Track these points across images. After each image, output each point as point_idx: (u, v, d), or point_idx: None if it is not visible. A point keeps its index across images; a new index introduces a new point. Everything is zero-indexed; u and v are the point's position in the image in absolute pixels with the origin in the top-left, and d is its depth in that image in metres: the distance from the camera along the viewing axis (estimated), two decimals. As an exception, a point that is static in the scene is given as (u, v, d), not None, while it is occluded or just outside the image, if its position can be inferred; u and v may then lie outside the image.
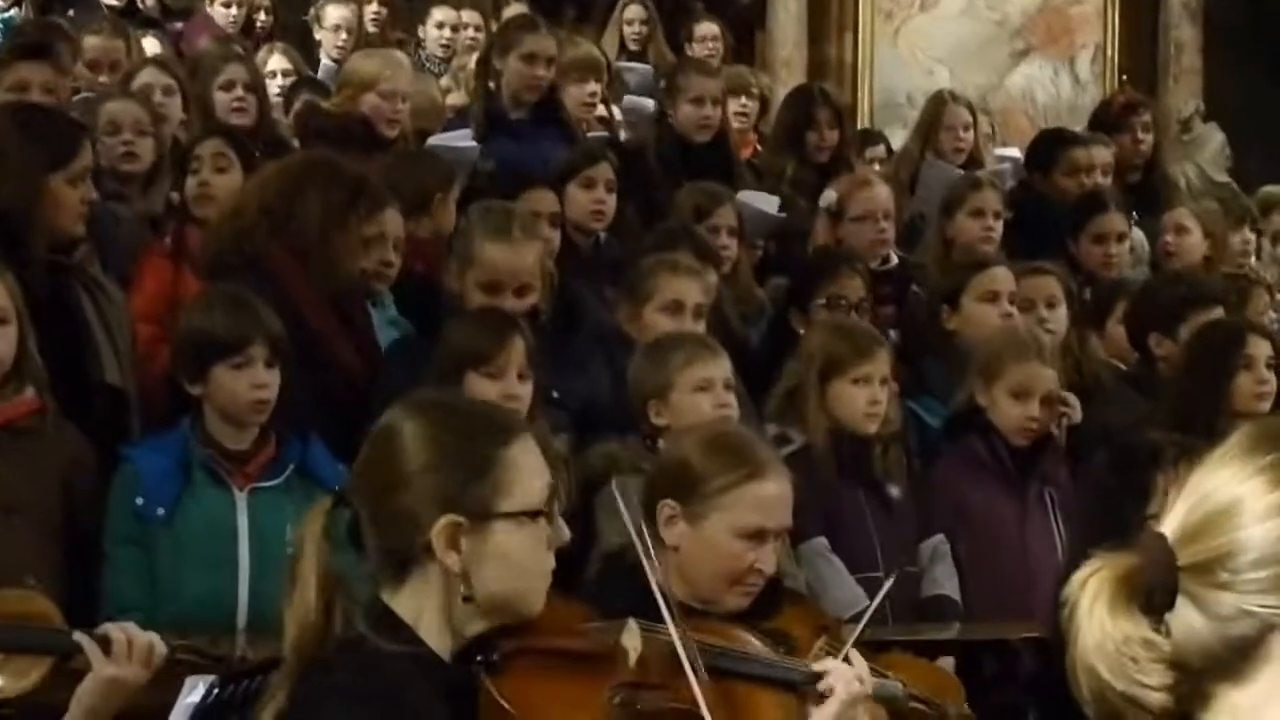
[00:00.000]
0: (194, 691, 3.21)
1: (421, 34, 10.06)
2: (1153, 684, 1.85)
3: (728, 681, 3.36)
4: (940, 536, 5.52)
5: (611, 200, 6.84)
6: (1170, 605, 1.86)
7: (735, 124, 8.57)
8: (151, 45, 8.72)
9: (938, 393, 6.09)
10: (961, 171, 7.99)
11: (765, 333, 6.57)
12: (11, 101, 6.11)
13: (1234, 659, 1.84)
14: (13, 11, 9.04)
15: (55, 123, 5.39)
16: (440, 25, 9.94)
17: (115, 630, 3.33)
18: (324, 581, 2.74)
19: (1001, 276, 6.37)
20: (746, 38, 11.93)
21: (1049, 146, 8.41)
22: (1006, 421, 5.60)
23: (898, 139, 9.35)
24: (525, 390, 4.82)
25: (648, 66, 9.71)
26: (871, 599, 4.75)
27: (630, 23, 10.34)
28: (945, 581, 5.47)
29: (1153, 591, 1.86)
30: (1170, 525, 1.88)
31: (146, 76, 7.47)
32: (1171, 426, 5.05)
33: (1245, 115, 12.21)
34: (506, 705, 2.95)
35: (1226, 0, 12.99)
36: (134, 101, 6.71)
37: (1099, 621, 1.85)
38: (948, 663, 4.16)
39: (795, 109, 8.44)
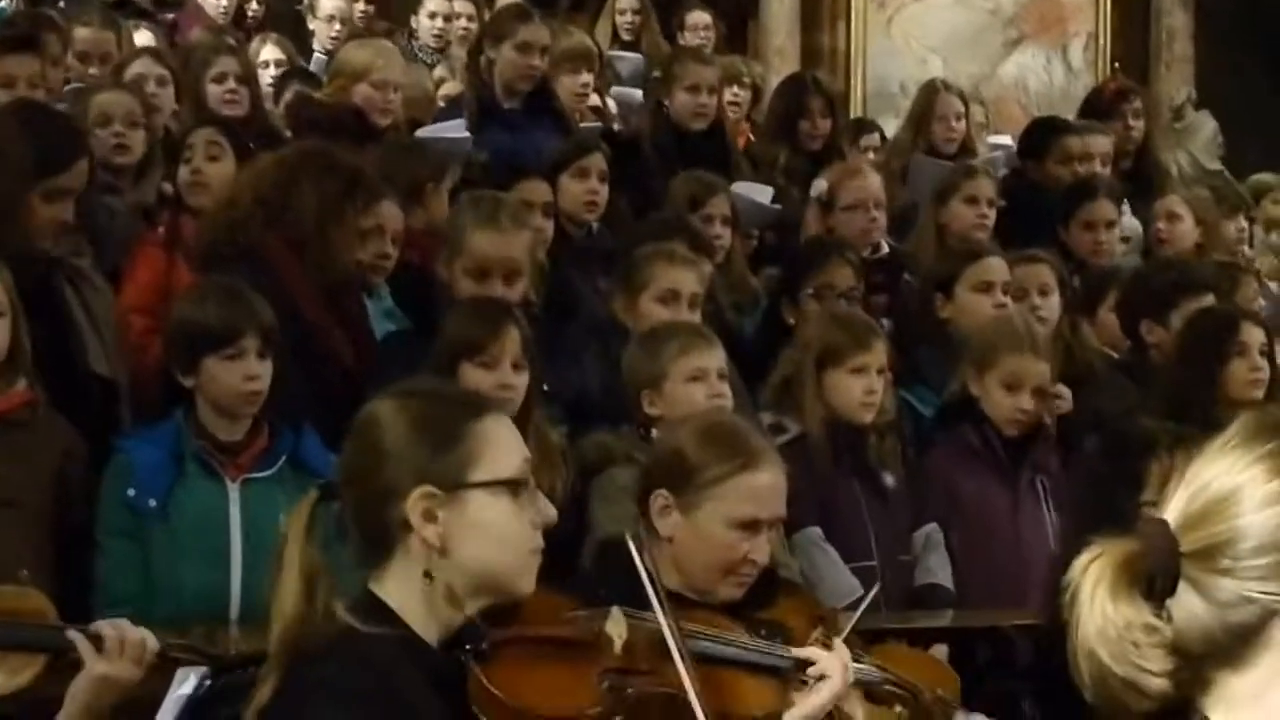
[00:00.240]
0: (185, 683, 3.20)
1: (414, 24, 10.04)
2: (1154, 669, 1.86)
3: (713, 668, 3.37)
4: (934, 525, 5.53)
5: (604, 190, 6.84)
6: (1172, 591, 1.87)
7: (728, 113, 8.57)
8: (144, 37, 8.69)
9: (931, 381, 6.10)
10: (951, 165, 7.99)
11: (759, 322, 6.57)
12: (21, 100, 6.10)
13: (1234, 645, 1.86)
14: (4, 3, 9.02)
15: (53, 133, 5.35)
16: (433, 15, 9.92)
17: (107, 628, 3.32)
18: (307, 575, 2.75)
19: (996, 267, 6.37)
20: (739, 26, 11.93)
21: (1042, 134, 8.41)
22: (998, 412, 5.60)
23: (891, 128, 9.35)
24: (520, 380, 4.81)
25: (639, 56, 9.71)
26: (865, 588, 4.78)
27: (623, 12, 10.32)
28: (938, 570, 5.48)
29: (1154, 577, 1.87)
30: (1172, 512, 1.90)
31: (139, 67, 7.46)
32: (1164, 414, 5.06)
33: (1237, 103, 12.22)
34: (497, 692, 2.96)
35: (1218, -13, 13.01)
36: (125, 93, 6.70)
37: (1101, 606, 1.87)
38: (941, 651, 4.17)
39: (788, 97, 8.44)
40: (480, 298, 5.24)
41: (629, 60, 9.57)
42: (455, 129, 7.40)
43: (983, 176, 7.37)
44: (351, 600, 2.78)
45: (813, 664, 3.51)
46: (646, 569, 3.39)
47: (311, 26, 9.74)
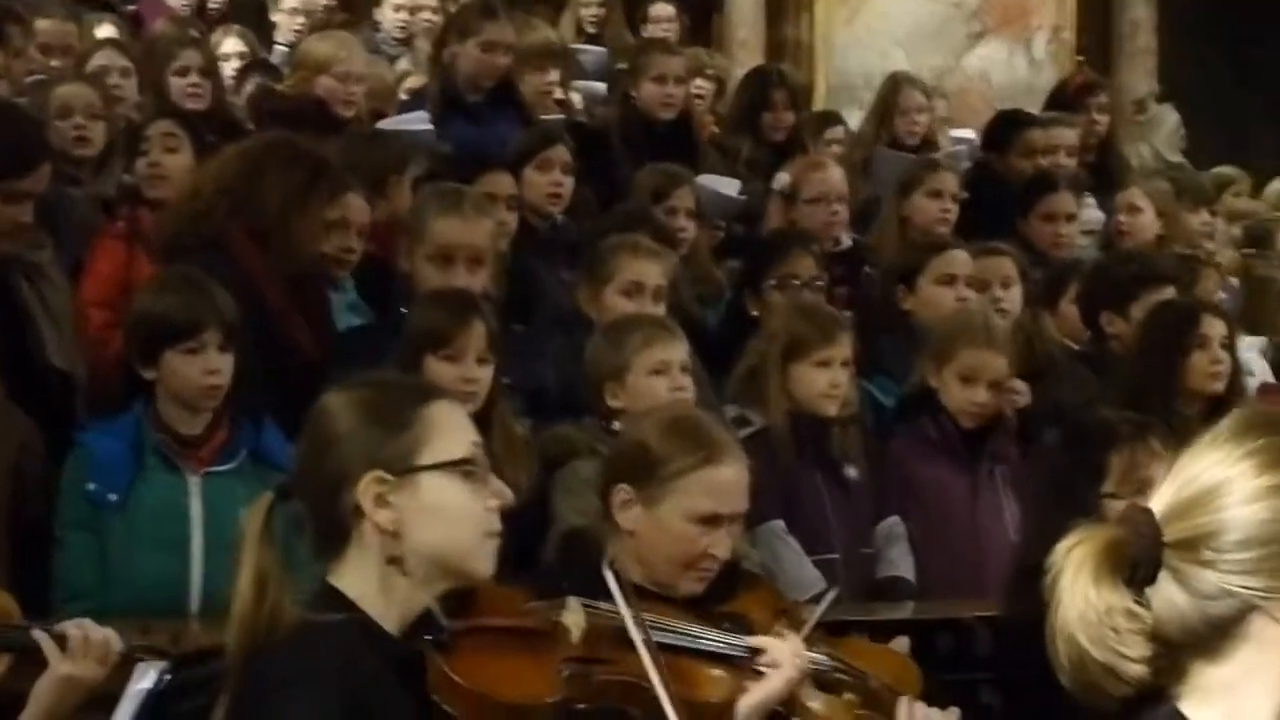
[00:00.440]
0: (144, 678, 3.20)
1: (378, 16, 10.02)
2: (1132, 655, 1.89)
3: (670, 656, 3.39)
4: (895, 519, 5.54)
5: (569, 183, 6.83)
6: (1153, 579, 1.90)
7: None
8: (106, 30, 8.67)
9: (892, 372, 6.11)
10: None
11: (722, 314, 6.57)
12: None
13: (1212, 636, 1.89)
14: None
15: (17, 135, 5.32)
16: (397, 8, 9.90)
17: (72, 628, 3.31)
18: (260, 576, 2.75)
19: (959, 259, 6.39)
20: (703, 19, 11.92)
21: (1005, 128, 8.43)
22: (955, 404, 5.62)
23: (854, 120, 9.35)
24: (485, 374, 4.79)
25: (603, 49, 9.70)
26: (828, 580, 4.79)
27: (587, 5, 10.31)
28: (900, 562, 5.49)
29: (1137, 565, 1.90)
30: (1159, 502, 1.93)
31: (102, 59, 7.45)
32: (1125, 405, 5.07)
33: (1199, 96, 12.26)
34: (459, 679, 2.96)
35: (1182, -19, 13.05)
36: (86, 85, 6.69)
37: (1082, 591, 1.89)
38: (902, 643, 4.17)
39: (751, 90, 8.45)
40: (446, 290, 5.22)
41: (592, 54, 9.55)
42: (418, 121, 7.39)
43: (946, 170, 7.39)
44: (310, 594, 2.78)
45: (765, 652, 3.54)
46: (609, 562, 3.41)
47: (274, 18, 9.73)
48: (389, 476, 2.75)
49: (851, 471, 5.48)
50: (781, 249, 6.39)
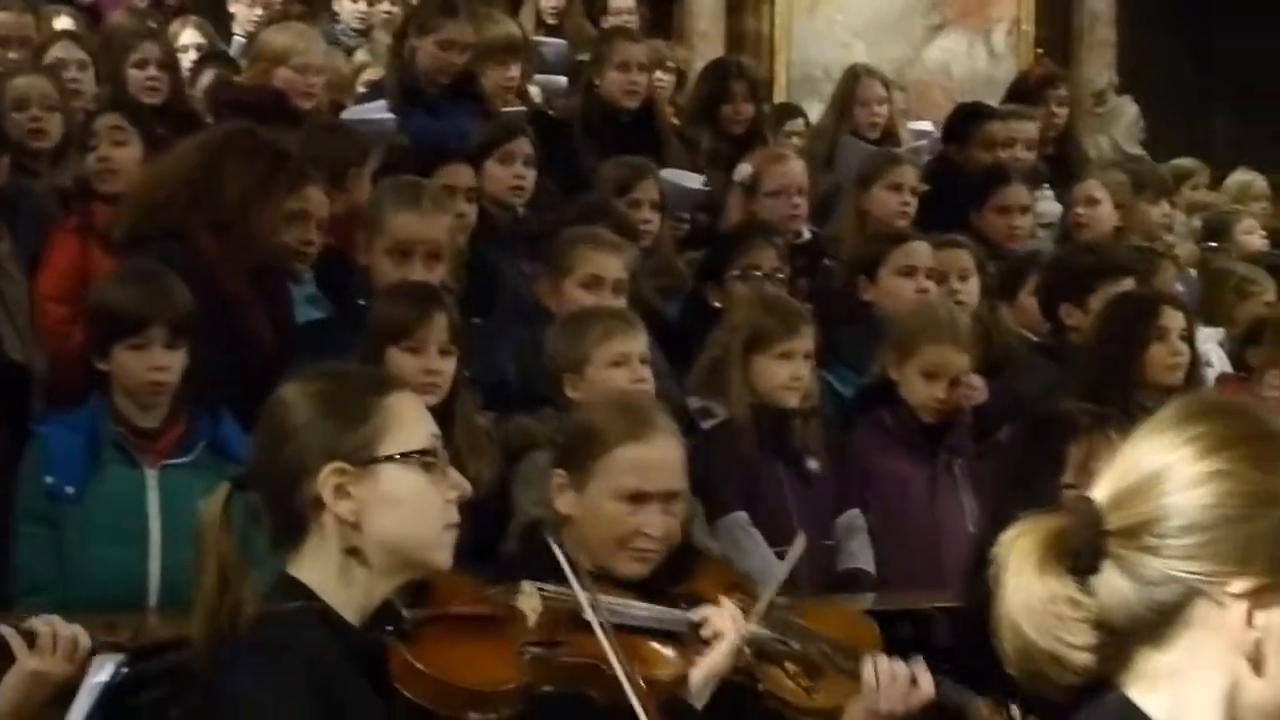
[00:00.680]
0: (102, 670, 3.19)
1: (337, 7, 9.99)
2: (1077, 643, 1.89)
3: (621, 635, 3.41)
4: (855, 511, 5.55)
5: (531, 175, 6.82)
6: (1096, 568, 1.90)
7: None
8: (64, 21, 8.63)
9: (852, 363, 6.12)
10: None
11: (684, 306, 6.57)
12: None
13: (1157, 622, 1.89)
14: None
15: None
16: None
17: (41, 624, 3.32)
18: (222, 567, 2.75)
19: (920, 251, 6.40)
20: (664, 10, 11.90)
21: (965, 120, 8.45)
22: (916, 398, 5.62)
23: (815, 112, 9.35)
24: (447, 366, 4.79)
25: (562, 41, 9.69)
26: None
27: (548, -4, 10.29)
28: (860, 554, 5.51)
29: (1080, 553, 1.90)
30: (1101, 490, 1.93)
31: (59, 51, 7.42)
32: (1084, 396, 5.08)
33: (1159, 88, 12.29)
34: (422, 667, 2.97)
35: (1141, -28, 13.09)
36: (41, 76, 6.66)
37: (1026, 580, 1.90)
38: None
39: (710, 82, 8.45)
40: (409, 282, 5.21)
41: (552, 46, 9.54)
42: (378, 111, 7.37)
43: (906, 164, 7.41)
44: (269, 585, 2.78)
45: (706, 623, 3.57)
46: (560, 546, 3.42)
47: (232, 9, 9.67)
48: (349, 467, 2.74)
49: (813, 464, 5.50)
50: (744, 241, 6.40)
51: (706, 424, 5.40)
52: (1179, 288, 7.58)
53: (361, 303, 5.32)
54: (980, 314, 6.43)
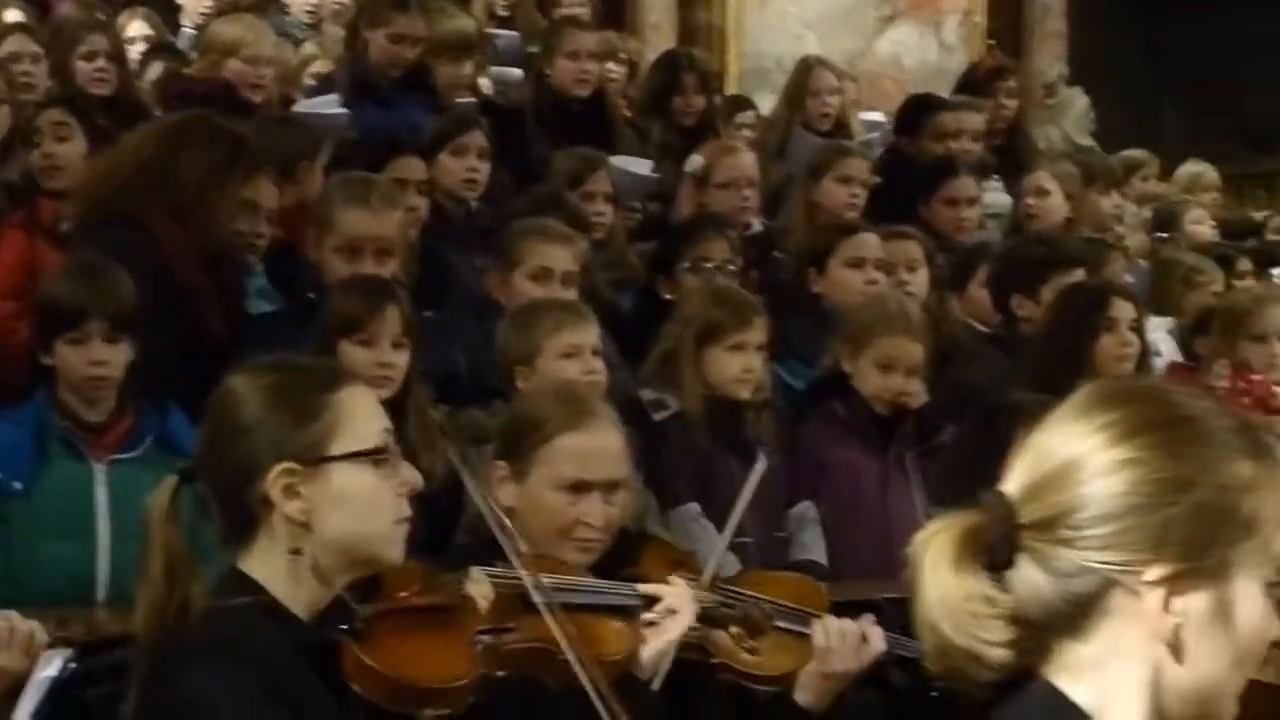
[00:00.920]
0: (50, 665, 3.17)
1: (287, 0, 9.94)
2: (993, 639, 1.87)
3: (570, 615, 3.39)
4: (808, 503, 5.55)
5: (485, 168, 6.80)
6: (1011, 562, 1.88)
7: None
8: (14, 14, 8.56)
9: (802, 355, 6.12)
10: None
11: (636, 298, 6.57)
12: None
13: (1075, 614, 1.87)
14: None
15: None
16: (307, -10, 9.83)
17: None
18: (169, 559, 2.74)
19: (869, 243, 6.42)
20: (616, 2, 11.89)
21: (917, 111, 8.47)
22: (870, 390, 5.62)
23: (766, 104, 9.36)
24: (400, 359, 4.77)
25: (515, 33, 9.66)
26: (742, 564, 4.80)
27: (500, -12, 10.25)
28: (812, 546, 5.51)
29: (995, 548, 1.88)
30: (1012, 483, 1.91)
31: (13, 44, 7.37)
32: (1034, 387, 5.10)
33: (1109, 79, 12.34)
34: (376, 666, 2.96)
35: (1091, -36, 13.13)
36: (-12, 70, 6.62)
37: (941, 579, 1.89)
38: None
39: (662, 74, 8.46)
40: (362, 276, 5.20)
41: (505, 38, 9.52)
42: (330, 105, 7.35)
43: (856, 156, 7.42)
44: (218, 580, 2.76)
45: (659, 600, 3.57)
46: (498, 522, 3.41)
47: (180, 1, 9.62)
48: (298, 467, 2.73)
49: (765, 455, 5.49)
50: (695, 232, 6.41)
51: (659, 416, 5.39)
52: (1128, 278, 7.61)
53: (311, 296, 5.31)
54: (929, 305, 6.44)
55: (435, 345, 5.39)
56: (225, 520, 2.79)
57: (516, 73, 8.65)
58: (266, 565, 2.75)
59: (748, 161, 7.21)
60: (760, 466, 4.07)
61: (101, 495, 4.53)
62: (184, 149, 5.28)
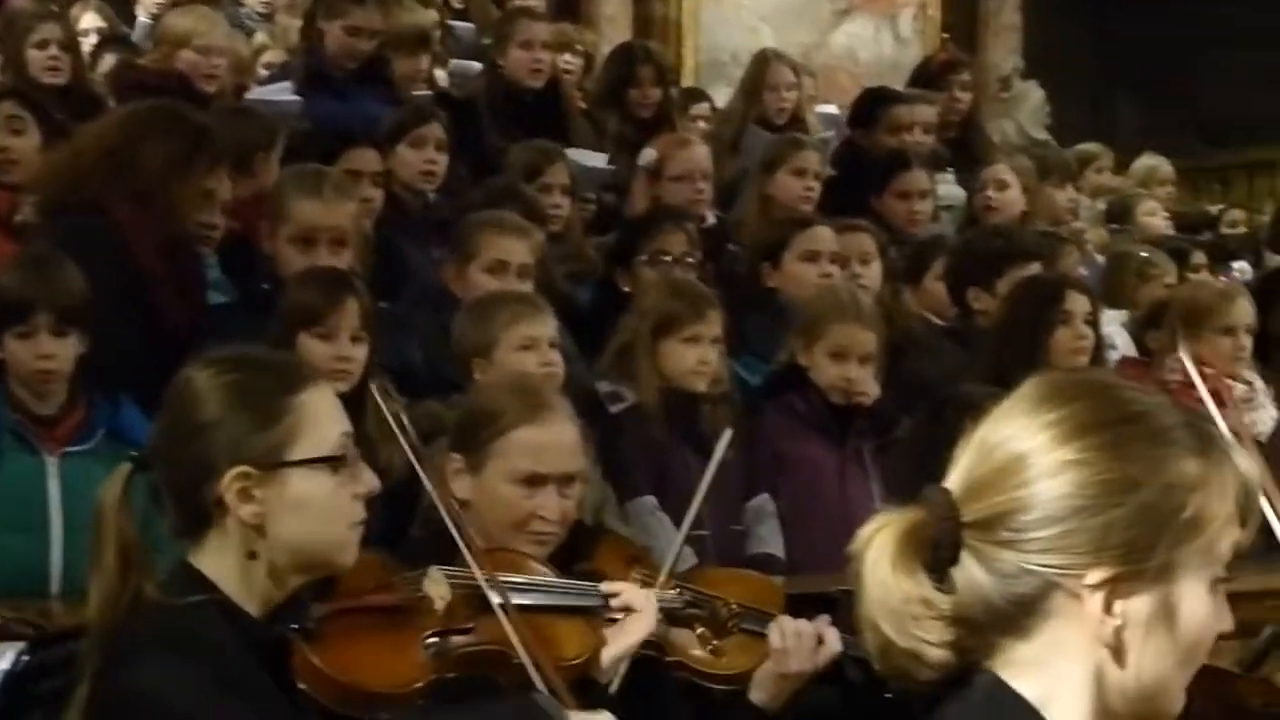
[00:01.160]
0: (2, 658, 3.15)
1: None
2: (933, 640, 1.86)
3: (530, 615, 3.38)
4: (765, 496, 5.55)
5: (443, 160, 6.79)
6: (954, 561, 1.87)
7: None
8: (-33, 6, 8.52)
9: (758, 351, 6.13)
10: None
11: (594, 292, 6.56)
12: None
13: (1017, 614, 1.85)
14: None
15: None
16: (261, -19, 9.80)
17: None
18: (123, 548, 2.71)
19: (824, 236, 6.42)
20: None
21: (872, 105, 8.48)
22: (826, 380, 5.62)
23: (722, 97, 9.36)
24: (359, 352, 4.76)
25: (471, 25, 9.65)
26: (698, 557, 4.80)
27: (454, -20, 10.23)
28: (770, 539, 5.51)
29: (938, 546, 1.87)
30: (956, 479, 1.89)
31: (-32, 37, 7.32)
32: (989, 380, 5.10)
33: (1063, 73, 12.38)
34: (326, 670, 2.94)
35: (1046, -43, 13.16)
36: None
37: (882, 578, 1.86)
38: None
39: (617, 66, 8.45)
40: (320, 268, 5.18)
41: (463, 29, 9.50)
42: (283, 93, 7.32)
43: (810, 149, 7.43)
44: (169, 573, 2.74)
45: (619, 598, 3.57)
46: (453, 522, 3.40)
47: (135, -8, 9.59)
48: (255, 471, 2.70)
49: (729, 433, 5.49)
50: (653, 226, 6.41)
51: (616, 408, 5.39)
52: (1084, 272, 7.63)
53: (266, 287, 5.28)
54: (882, 298, 6.46)
55: (391, 337, 5.38)
56: (178, 514, 2.76)
57: (476, 66, 8.63)
58: (219, 562, 2.73)
59: (701, 154, 7.21)
60: (723, 443, 4.05)
61: (54, 488, 4.51)
62: (147, 137, 5.26)
